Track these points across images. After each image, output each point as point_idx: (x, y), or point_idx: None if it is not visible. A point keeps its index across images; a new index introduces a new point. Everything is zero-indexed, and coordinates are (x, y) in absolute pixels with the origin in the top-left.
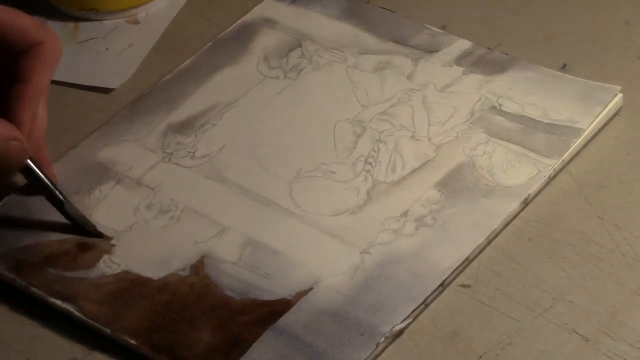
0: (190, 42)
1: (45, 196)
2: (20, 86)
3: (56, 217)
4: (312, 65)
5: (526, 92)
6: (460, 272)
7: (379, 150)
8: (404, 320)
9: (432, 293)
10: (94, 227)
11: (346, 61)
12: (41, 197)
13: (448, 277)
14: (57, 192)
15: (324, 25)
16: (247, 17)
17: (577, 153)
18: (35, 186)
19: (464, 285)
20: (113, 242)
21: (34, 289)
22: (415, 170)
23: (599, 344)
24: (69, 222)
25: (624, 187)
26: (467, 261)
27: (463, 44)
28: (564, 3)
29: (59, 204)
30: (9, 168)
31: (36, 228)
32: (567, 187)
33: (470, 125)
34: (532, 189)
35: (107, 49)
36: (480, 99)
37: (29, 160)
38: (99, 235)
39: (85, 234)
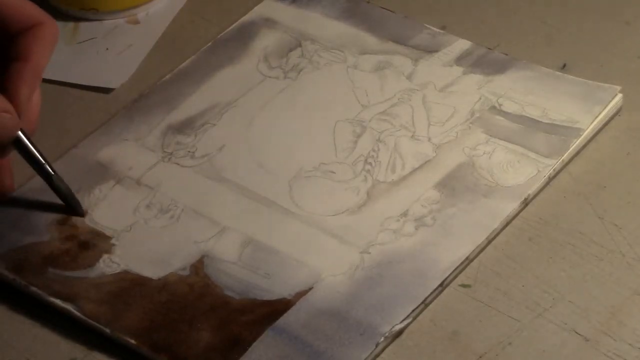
0: (190, 42)
1: (35, 169)
2: (18, 64)
3: (56, 215)
4: (312, 65)
5: (526, 92)
6: (460, 272)
7: (378, 150)
8: (403, 320)
9: (431, 293)
10: (79, 204)
11: (346, 61)
12: (40, 197)
13: (448, 277)
14: (46, 165)
15: (324, 25)
16: (247, 17)
17: (577, 153)
18: (26, 159)
19: (464, 285)
20: (113, 241)
21: (34, 289)
22: (415, 170)
23: (599, 344)
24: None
25: (624, 187)
26: (467, 261)
27: (463, 44)
28: (564, 3)
29: (48, 177)
30: (0, 139)
31: (36, 228)
32: (567, 187)
33: (470, 125)
34: (532, 189)
35: (107, 49)
36: (480, 99)
37: (20, 133)
38: (82, 214)
39: (70, 211)
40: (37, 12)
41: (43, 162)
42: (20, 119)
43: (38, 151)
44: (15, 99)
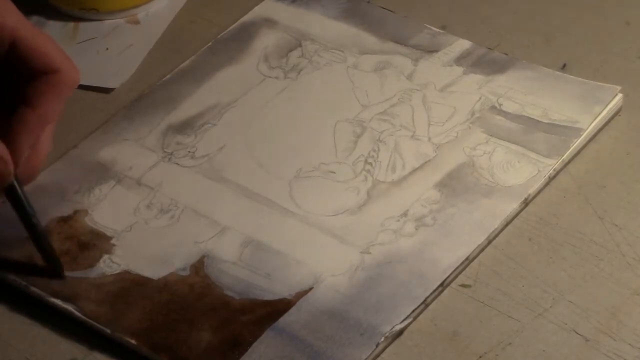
0: (190, 42)
1: (22, 219)
2: (25, 110)
3: (56, 215)
4: (312, 65)
5: (526, 92)
6: (461, 272)
7: (379, 150)
8: (404, 320)
9: (432, 293)
10: (60, 264)
11: (346, 61)
12: (40, 197)
13: (448, 277)
14: (34, 218)
15: (324, 25)
16: (247, 17)
17: (577, 153)
18: (14, 208)
19: (464, 285)
20: (113, 241)
21: (34, 289)
22: (415, 170)
23: (599, 344)
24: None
25: (624, 187)
26: (467, 261)
27: (463, 44)
28: (564, 3)
29: (34, 230)
30: None
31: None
32: (567, 187)
33: (470, 125)
34: (532, 189)
35: (107, 49)
36: (480, 99)
37: (15, 182)
38: (62, 276)
39: (49, 271)
40: (58, 58)
41: (32, 214)
42: (17, 166)
43: (28, 202)
44: (15, 146)
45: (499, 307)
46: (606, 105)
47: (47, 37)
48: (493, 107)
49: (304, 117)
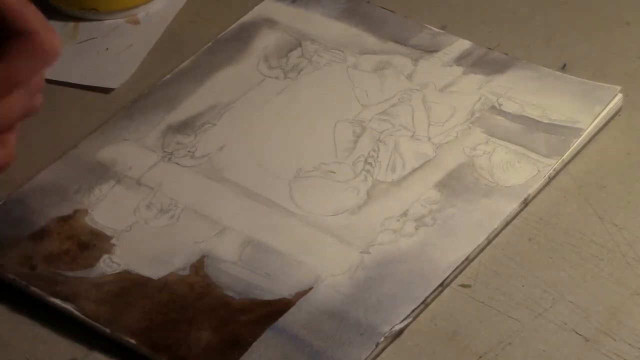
0: (190, 42)
1: None
2: None
3: (56, 215)
4: (312, 65)
5: (526, 92)
6: (460, 272)
7: (378, 150)
8: (403, 320)
9: (432, 293)
10: None
11: (346, 61)
12: (40, 196)
13: (448, 277)
14: None
15: (324, 25)
16: (247, 17)
17: (577, 153)
18: None
19: (464, 285)
20: (113, 241)
21: (34, 289)
22: (415, 170)
23: (599, 344)
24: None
25: (624, 187)
26: (467, 261)
27: (463, 44)
28: (564, 3)
29: None
30: None
31: (36, 228)
32: (567, 187)
33: (470, 125)
34: (532, 189)
35: (107, 49)
36: (480, 99)
37: None
38: None
39: None
40: (36, 22)
41: None
42: None
43: None
44: None
45: (499, 307)
46: (606, 105)
47: (28, 3)
48: (493, 107)
49: (303, 117)
